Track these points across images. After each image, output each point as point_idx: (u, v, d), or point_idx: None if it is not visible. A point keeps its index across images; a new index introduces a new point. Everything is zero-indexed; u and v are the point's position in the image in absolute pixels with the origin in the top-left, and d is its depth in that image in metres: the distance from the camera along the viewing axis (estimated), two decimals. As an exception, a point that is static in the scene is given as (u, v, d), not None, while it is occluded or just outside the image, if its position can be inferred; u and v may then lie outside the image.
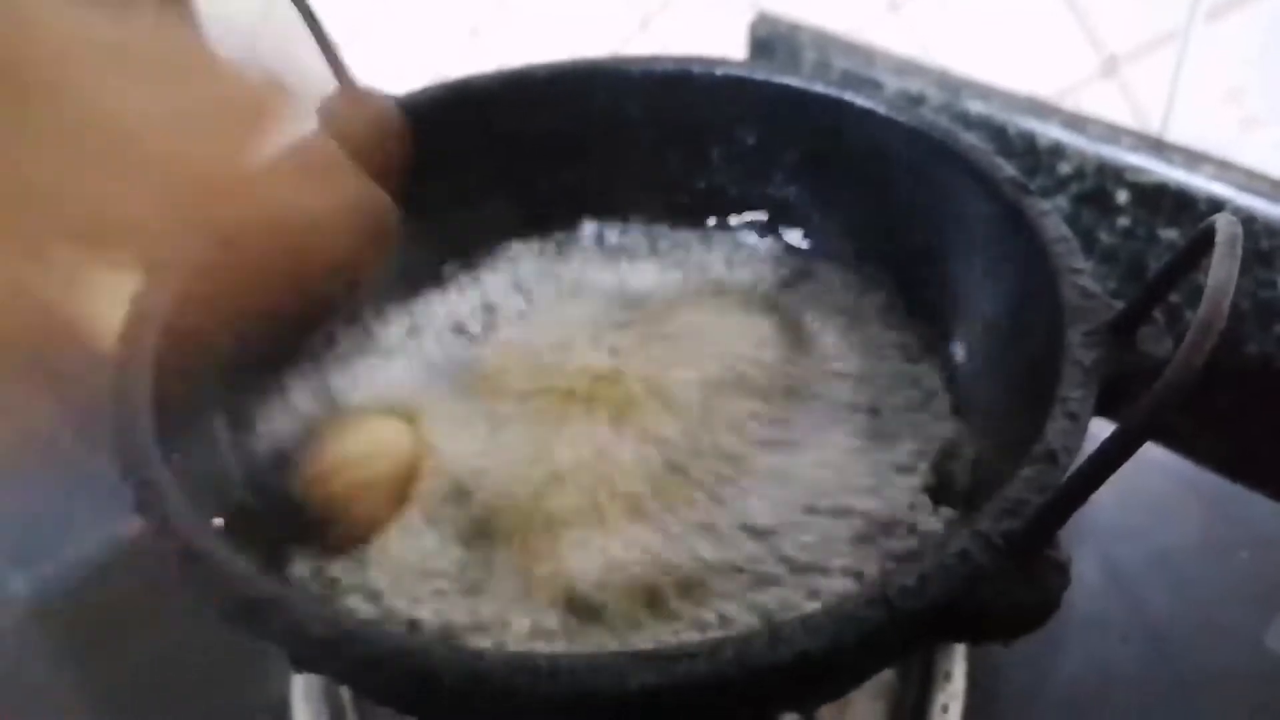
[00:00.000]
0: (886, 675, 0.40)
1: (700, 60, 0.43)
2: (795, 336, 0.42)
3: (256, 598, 0.27)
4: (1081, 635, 0.44)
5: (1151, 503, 0.49)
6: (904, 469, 0.37)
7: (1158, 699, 0.42)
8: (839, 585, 0.33)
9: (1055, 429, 0.29)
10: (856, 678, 0.30)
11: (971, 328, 0.39)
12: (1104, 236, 0.54)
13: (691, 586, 0.33)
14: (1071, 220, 0.54)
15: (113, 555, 0.51)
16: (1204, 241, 0.27)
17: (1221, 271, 0.24)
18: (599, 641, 0.32)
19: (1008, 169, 0.37)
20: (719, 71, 0.43)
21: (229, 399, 0.37)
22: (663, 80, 0.43)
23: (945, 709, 0.40)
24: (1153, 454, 0.50)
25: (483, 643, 0.32)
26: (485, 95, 0.43)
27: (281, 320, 0.40)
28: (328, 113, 0.42)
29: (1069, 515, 0.25)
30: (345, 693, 0.41)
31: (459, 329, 0.44)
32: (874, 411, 0.39)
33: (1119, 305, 0.32)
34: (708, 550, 0.34)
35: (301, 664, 0.28)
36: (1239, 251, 0.25)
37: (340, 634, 0.26)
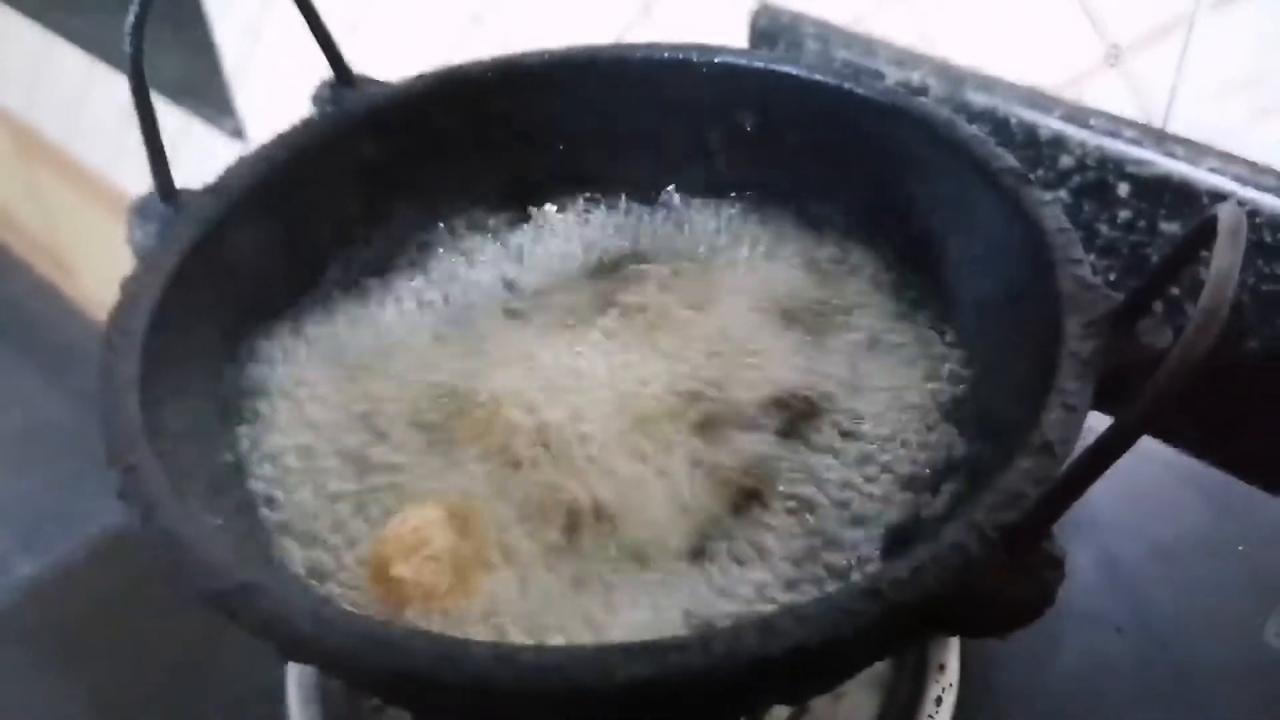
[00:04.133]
0: (880, 667, 0.40)
1: (699, 48, 0.43)
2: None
3: (234, 588, 0.27)
4: (1078, 628, 0.44)
5: (1150, 497, 0.49)
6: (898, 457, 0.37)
7: (1154, 693, 0.42)
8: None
9: (1051, 420, 0.28)
10: (849, 670, 0.29)
11: (970, 315, 0.38)
12: (1105, 229, 0.53)
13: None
14: (1072, 213, 0.53)
15: (116, 541, 0.51)
16: (1206, 231, 0.26)
17: (1224, 260, 0.24)
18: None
19: (1008, 158, 0.36)
20: (718, 59, 0.42)
21: (220, 384, 0.37)
22: (661, 67, 0.43)
23: (939, 701, 0.39)
24: (1151, 448, 0.50)
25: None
26: (480, 83, 0.43)
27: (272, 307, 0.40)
28: (322, 100, 0.42)
29: (1065, 508, 0.25)
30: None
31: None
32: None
33: (1118, 297, 0.31)
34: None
35: (286, 654, 0.28)
36: (1242, 240, 0.24)
37: (320, 625, 0.26)
